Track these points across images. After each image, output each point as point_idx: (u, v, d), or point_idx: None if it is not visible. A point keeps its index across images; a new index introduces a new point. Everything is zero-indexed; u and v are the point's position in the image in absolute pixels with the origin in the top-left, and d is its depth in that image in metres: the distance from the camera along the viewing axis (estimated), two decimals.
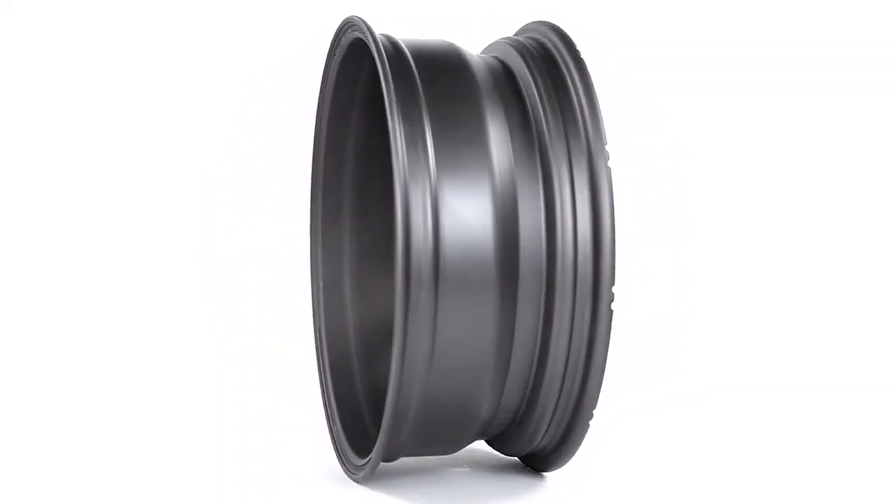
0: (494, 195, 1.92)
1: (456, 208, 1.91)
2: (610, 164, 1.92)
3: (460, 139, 1.94)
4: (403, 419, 1.98)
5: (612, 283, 1.92)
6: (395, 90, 1.94)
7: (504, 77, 2.04)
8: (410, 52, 2.03)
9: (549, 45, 2.05)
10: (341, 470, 2.14)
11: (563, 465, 2.09)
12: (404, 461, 2.16)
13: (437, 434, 2.03)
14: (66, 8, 3.09)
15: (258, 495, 2.07)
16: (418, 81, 1.98)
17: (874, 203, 3.30)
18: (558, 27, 2.07)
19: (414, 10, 2.82)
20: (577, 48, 2.01)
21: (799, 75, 3.27)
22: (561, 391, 1.99)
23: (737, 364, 2.90)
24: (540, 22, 2.11)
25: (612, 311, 1.92)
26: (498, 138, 1.96)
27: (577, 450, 2.05)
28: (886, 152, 3.31)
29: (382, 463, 2.07)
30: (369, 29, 2.00)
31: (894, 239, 3.25)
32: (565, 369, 1.97)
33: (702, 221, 2.52)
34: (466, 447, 2.14)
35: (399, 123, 1.91)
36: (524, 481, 2.13)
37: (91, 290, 3.13)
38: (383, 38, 2.05)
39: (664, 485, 2.20)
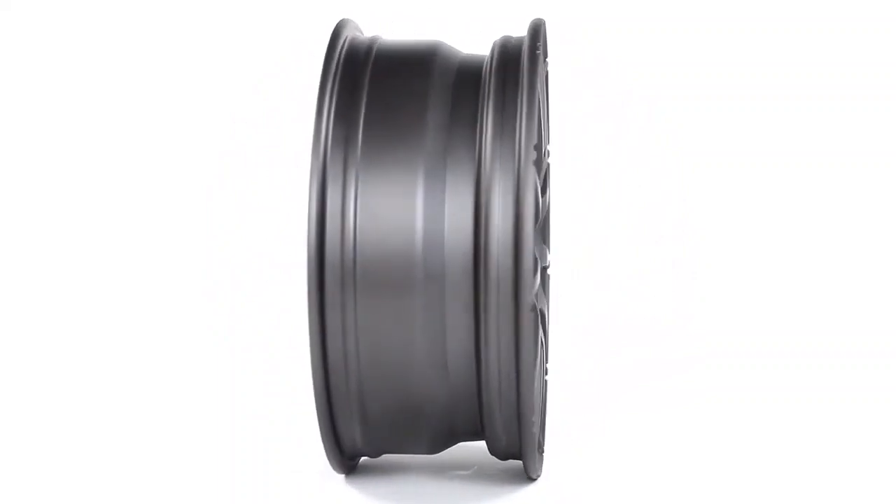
0: (420, 194, 1.92)
1: (375, 207, 1.92)
2: (550, 161, 1.92)
3: (392, 139, 1.95)
4: (348, 415, 2.00)
5: (532, 287, 1.90)
6: (338, 90, 1.98)
7: (471, 76, 2.04)
8: (380, 53, 2.05)
9: (517, 42, 2.06)
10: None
11: (535, 472, 2.08)
12: (409, 463, 2.17)
13: (394, 431, 2.03)
14: (66, 8, 3.08)
15: (258, 495, 2.08)
16: (366, 82, 1.99)
17: (874, 203, 3.28)
18: (536, 22, 2.05)
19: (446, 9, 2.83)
20: (538, 43, 2.00)
21: (799, 75, 3.25)
22: (501, 394, 1.98)
23: (736, 364, 2.86)
24: (536, 18, 2.12)
25: (532, 315, 1.90)
26: (435, 137, 1.95)
27: (534, 457, 2.04)
28: (886, 152, 3.30)
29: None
30: (335, 32, 2.05)
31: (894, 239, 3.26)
32: (500, 373, 1.96)
33: (702, 221, 2.51)
34: (475, 450, 2.15)
35: (326, 122, 1.95)
36: (521, 484, 2.13)
37: (90, 290, 3.12)
38: (361, 39, 2.09)
39: (664, 485, 2.19)
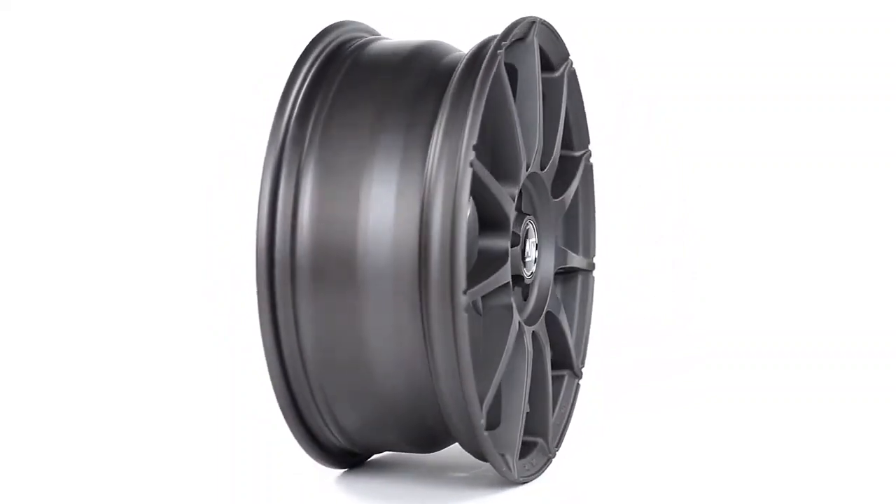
0: (370, 194, 1.93)
1: (323, 207, 1.95)
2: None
3: (347, 140, 1.97)
4: (314, 409, 2.03)
5: (462, 286, 1.89)
6: (306, 91, 2.01)
7: (445, 76, 2.04)
8: (364, 53, 2.08)
9: (490, 41, 2.06)
10: (340, 470, 2.16)
11: (506, 473, 2.07)
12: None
13: (368, 427, 2.06)
14: (66, 8, 3.08)
15: (258, 495, 2.08)
16: (337, 83, 2.02)
17: (874, 203, 3.28)
18: (516, 22, 2.06)
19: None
20: (503, 42, 1.99)
21: (799, 75, 3.25)
22: (452, 393, 1.98)
23: (736, 364, 2.87)
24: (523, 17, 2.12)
25: (465, 315, 1.89)
26: (392, 137, 1.96)
27: (495, 456, 2.04)
28: (886, 152, 3.30)
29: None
30: (319, 35, 2.09)
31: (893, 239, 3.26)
32: (447, 371, 1.96)
33: (702, 221, 2.51)
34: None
35: (287, 121, 1.99)
36: (517, 485, 2.14)
37: (89, 290, 3.13)
38: (354, 39, 2.12)
39: (662, 485, 2.18)
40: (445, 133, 1.95)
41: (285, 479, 2.17)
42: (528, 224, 2.14)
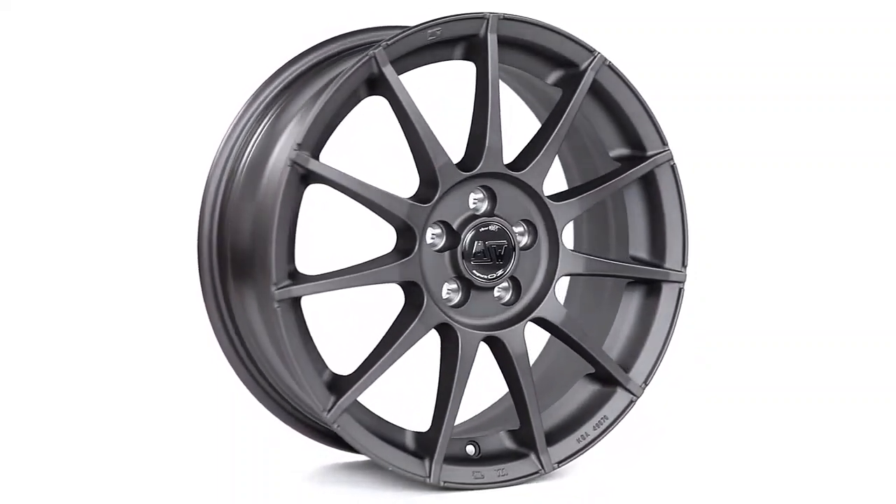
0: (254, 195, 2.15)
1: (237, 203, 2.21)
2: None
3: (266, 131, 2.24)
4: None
5: (272, 280, 2.02)
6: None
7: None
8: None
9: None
10: (339, 470, 2.20)
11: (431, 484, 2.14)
12: None
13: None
14: (66, 8, 3.08)
15: (257, 495, 2.10)
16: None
17: (875, 203, 3.28)
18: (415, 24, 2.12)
19: None
20: (387, 42, 2.07)
21: (799, 75, 3.26)
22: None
23: (735, 364, 2.90)
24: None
25: (279, 309, 2.02)
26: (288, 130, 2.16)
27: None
28: (886, 152, 3.29)
29: None
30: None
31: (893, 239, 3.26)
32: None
33: (701, 220, 2.51)
34: None
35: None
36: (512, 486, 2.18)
37: (88, 289, 3.14)
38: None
39: (663, 486, 2.20)
40: (266, 132, 2.19)
41: (282, 479, 2.20)
42: (486, 225, 2.15)
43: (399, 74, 2.14)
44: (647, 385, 2.29)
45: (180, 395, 2.71)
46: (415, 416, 2.30)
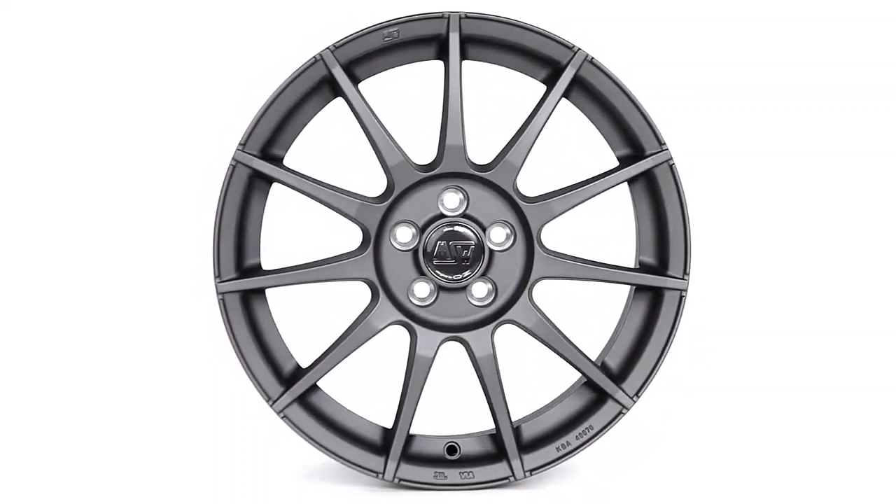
0: None
1: None
2: None
3: None
4: None
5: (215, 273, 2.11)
6: None
7: None
8: None
9: None
10: (339, 469, 2.21)
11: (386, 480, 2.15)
12: None
13: None
14: (66, 8, 3.12)
15: (257, 494, 2.14)
16: None
17: (875, 203, 3.17)
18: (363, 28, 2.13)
19: None
20: (335, 44, 2.09)
21: (799, 75, 3.13)
22: None
23: (735, 365, 2.86)
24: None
25: (223, 300, 2.14)
26: None
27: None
28: (886, 152, 3.16)
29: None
30: None
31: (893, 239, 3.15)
32: None
33: (701, 220, 2.40)
34: None
35: None
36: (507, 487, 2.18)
37: (88, 289, 3.17)
38: None
39: (662, 486, 2.17)
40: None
41: (281, 478, 2.22)
42: (450, 226, 2.14)
43: (370, 76, 2.17)
44: (638, 397, 2.18)
45: (180, 395, 2.75)
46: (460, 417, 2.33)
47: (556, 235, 2.29)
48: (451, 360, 2.32)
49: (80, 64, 3.13)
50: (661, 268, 2.19)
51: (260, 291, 2.17)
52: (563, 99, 2.18)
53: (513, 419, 2.20)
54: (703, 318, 2.68)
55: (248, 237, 2.17)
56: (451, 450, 2.21)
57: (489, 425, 2.22)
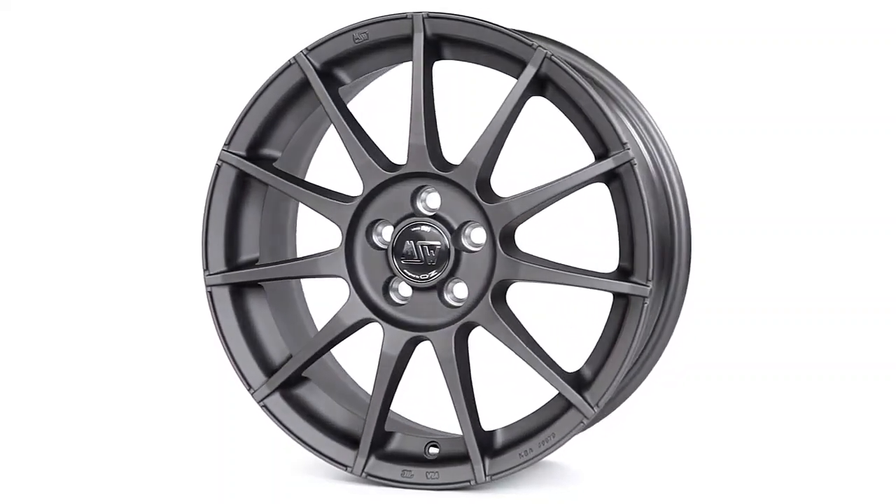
0: None
1: None
2: None
3: None
4: None
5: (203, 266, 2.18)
6: None
7: None
8: None
9: None
10: (339, 469, 2.23)
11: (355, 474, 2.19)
12: None
13: None
14: (66, 8, 3.18)
15: (257, 494, 2.17)
16: None
17: (876, 203, 3.18)
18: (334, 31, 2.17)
19: None
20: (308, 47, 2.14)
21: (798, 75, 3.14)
22: None
23: (734, 366, 2.86)
24: None
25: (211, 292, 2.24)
26: None
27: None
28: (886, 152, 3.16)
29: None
30: None
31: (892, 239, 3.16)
32: None
33: (701, 220, 2.30)
34: None
35: None
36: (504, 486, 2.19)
37: (87, 289, 3.24)
38: None
39: (660, 487, 2.17)
40: None
41: (282, 477, 2.26)
42: (417, 225, 2.15)
43: (357, 77, 2.22)
44: (598, 407, 2.10)
45: (179, 395, 2.77)
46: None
47: (555, 235, 2.25)
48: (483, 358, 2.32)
49: (80, 64, 3.22)
50: (630, 273, 2.09)
51: (255, 286, 2.28)
52: (543, 99, 2.14)
53: (485, 423, 2.18)
54: (702, 318, 2.63)
55: (242, 233, 2.27)
56: (432, 449, 2.22)
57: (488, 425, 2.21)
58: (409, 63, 2.19)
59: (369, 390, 2.25)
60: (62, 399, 2.74)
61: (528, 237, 2.25)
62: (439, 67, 2.32)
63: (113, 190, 3.29)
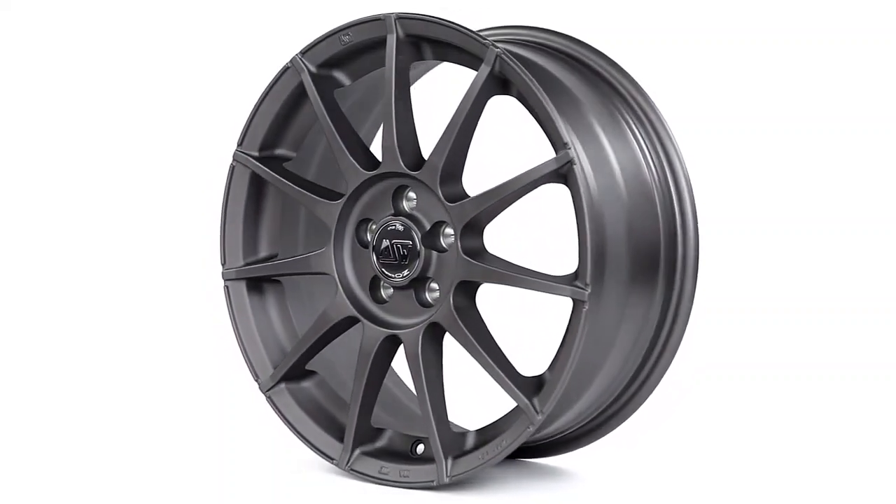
0: None
1: None
2: None
3: None
4: None
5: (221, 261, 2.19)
6: None
7: None
8: None
9: None
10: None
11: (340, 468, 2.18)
12: None
13: None
14: (66, 8, 3.16)
15: (256, 493, 2.22)
16: None
17: (876, 203, 3.16)
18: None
19: None
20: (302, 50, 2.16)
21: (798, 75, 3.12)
22: None
23: (734, 367, 2.84)
24: None
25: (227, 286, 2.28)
26: None
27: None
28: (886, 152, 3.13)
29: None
30: None
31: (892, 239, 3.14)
32: None
33: (700, 220, 2.20)
34: None
35: None
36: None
37: (87, 289, 3.22)
38: None
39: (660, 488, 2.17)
40: None
41: (281, 477, 2.30)
42: (393, 224, 2.18)
43: (357, 77, 2.27)
44: (543, 414, 2.05)
45: (180, 394, 2.77)
46: None
47: (554, 236, 2.25)
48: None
49: (80, 64, 3.24)
50: (577, 277, 2.03)
51: (274, 281, 2.37)
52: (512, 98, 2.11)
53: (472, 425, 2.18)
54: (702, 319, 2.47)
55: (262, 229, 2.37)
56: (416, 447, 2.24)
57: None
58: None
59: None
60: (70, 387, 2.79)
61: (528, 237, 2.23)
62: (439, 68, 2.33)
63: (120, 189, 3.32)
